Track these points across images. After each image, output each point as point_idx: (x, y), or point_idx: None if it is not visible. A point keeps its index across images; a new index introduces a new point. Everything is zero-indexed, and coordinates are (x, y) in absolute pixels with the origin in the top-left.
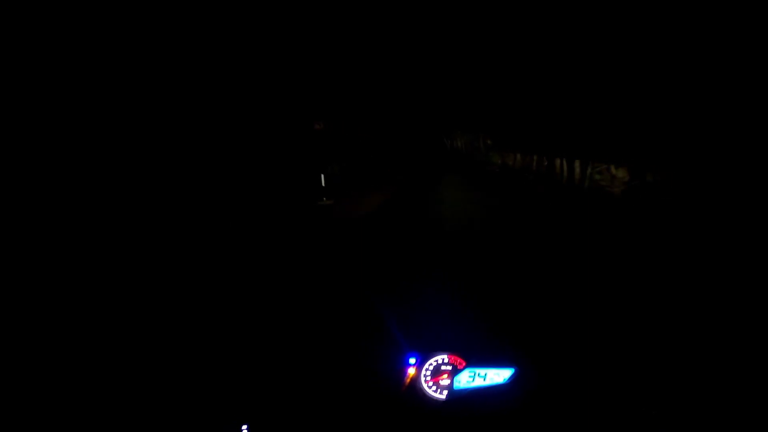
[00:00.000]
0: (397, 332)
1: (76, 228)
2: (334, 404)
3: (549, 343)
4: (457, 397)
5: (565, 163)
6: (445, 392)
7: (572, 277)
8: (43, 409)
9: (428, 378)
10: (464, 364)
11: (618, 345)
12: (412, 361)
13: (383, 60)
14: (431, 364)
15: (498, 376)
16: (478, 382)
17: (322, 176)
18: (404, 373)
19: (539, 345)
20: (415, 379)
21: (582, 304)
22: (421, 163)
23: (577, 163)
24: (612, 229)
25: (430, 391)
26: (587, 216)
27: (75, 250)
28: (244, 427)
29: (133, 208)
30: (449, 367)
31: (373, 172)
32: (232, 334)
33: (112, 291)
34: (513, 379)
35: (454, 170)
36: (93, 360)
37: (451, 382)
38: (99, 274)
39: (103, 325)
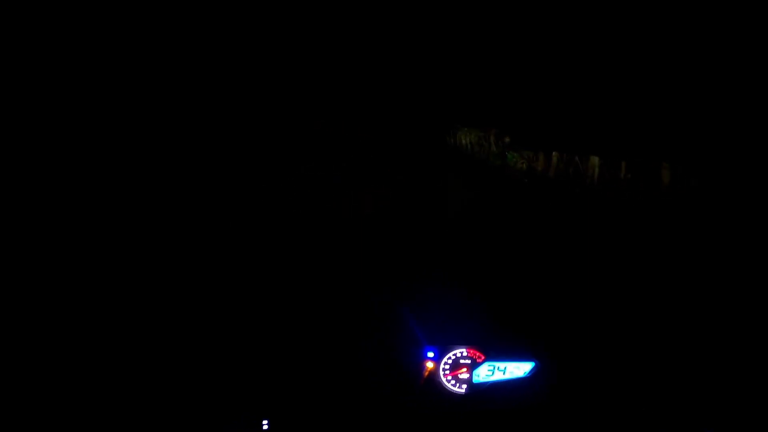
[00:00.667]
0: (414, 326)
1: (76, 228)
2: (353, 398)
3: (569, 336)
4: (477, 391)
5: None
6: (465, 386)
7: (592, 272)
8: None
9: (447, 372)
10: (483, 357)
11: (640, 338)
12: (431, 354)
13: (376, 47)
14: (450, 358)
15: (518, 369)
16: (498, 376)
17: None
18: (422, 366)
19: (559, 338)
20: (434, 373)
21: (602, 298)
22: (424, 163)
23: (623, 165)
24: (641, 226)
25: (449, 385)
26: (613, 212)
27: (74, 250)
28: (265, 421)
29: (132, 208)
30: (468, 361)
31: (370, 171)
32: (253, 330)
33: (117, 290)
34: (533, 373)
35: (460, 176)
36: (102, 360)
37: (470, 375)
38: (99, 274)
39: (115, 325)
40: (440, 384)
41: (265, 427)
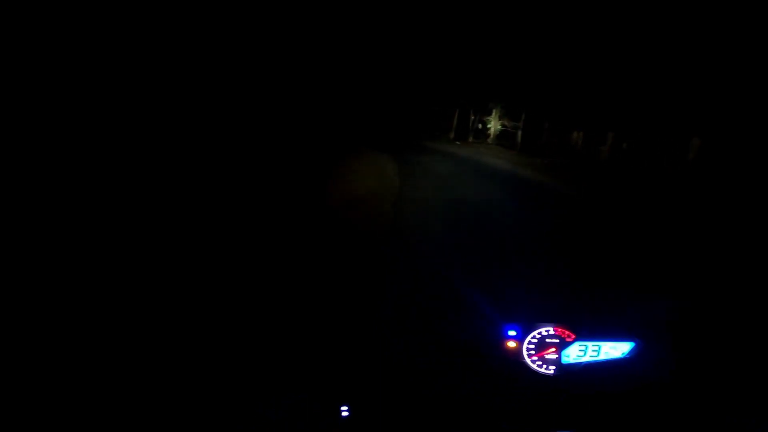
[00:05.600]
0: (490, 302)
1: (76, 228)
2: (436, 383)
3: (675, 312)
4: (568, 373)
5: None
6: (553, 367)
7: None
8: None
9: (532, 352)
10: (573, 337)
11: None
12: (512, 333)
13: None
14: (534, 337)
15: (615, 350)
16: (591, 357)
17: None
18: (503, 346)
19: (664, 315)
20: (517, 353)
21: (714, 270)
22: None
23: None
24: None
25: (534, 366)
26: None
27: (75, 250)
28: (344, 407)
29: (131, 207)
30: (556, 340)
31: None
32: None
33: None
34: (633, 354)
35: None
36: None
37: (559, 356)
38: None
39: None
40: (525, 365)
41: (345, 413)
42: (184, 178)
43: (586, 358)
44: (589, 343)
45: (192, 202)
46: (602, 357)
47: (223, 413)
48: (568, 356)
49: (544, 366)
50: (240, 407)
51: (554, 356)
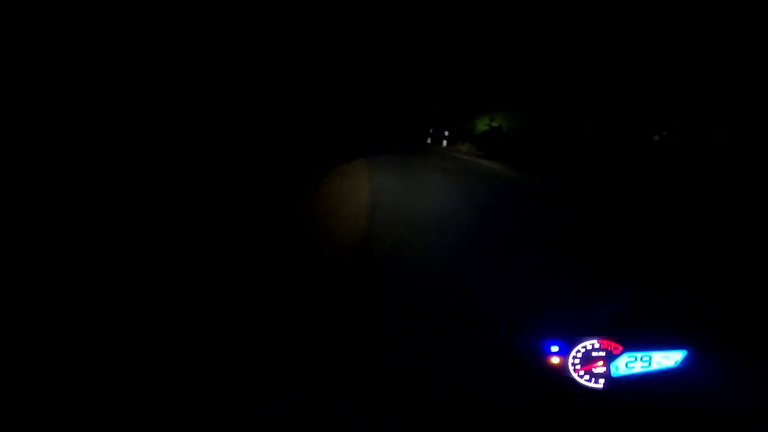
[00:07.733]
0: (527, 318)
1: (77, 228)
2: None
3: (730, 317)
4: (618, 386)
5: None
6: (602, 380)
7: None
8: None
9: (578, 367)
10: (621, 348)
11: None
12: (555, 349)
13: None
14: (579, 351)
15: (667, 359)
16: (642, 368)
17: None
18: (546, 363)
19: (718, 320)
20: (562, 369)
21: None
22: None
23: None
24: None
25: (582, 381)
26: None
27: (76, 250)
28: None
29: (134, 208)
30: (602, 353)
31: None
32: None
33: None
34: (687, 362)
35: None
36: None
37: (608, 369)
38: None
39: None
40: (572, 380)
41: None
42: (184, 179)
43: (637, 369)
44: (639, 354)
45: (191, 203)
46: (654, 367)
47: (223, 413)
48: (617, 368)
49: (593, 380)
50: (240, 407)
51: (602, 369)
